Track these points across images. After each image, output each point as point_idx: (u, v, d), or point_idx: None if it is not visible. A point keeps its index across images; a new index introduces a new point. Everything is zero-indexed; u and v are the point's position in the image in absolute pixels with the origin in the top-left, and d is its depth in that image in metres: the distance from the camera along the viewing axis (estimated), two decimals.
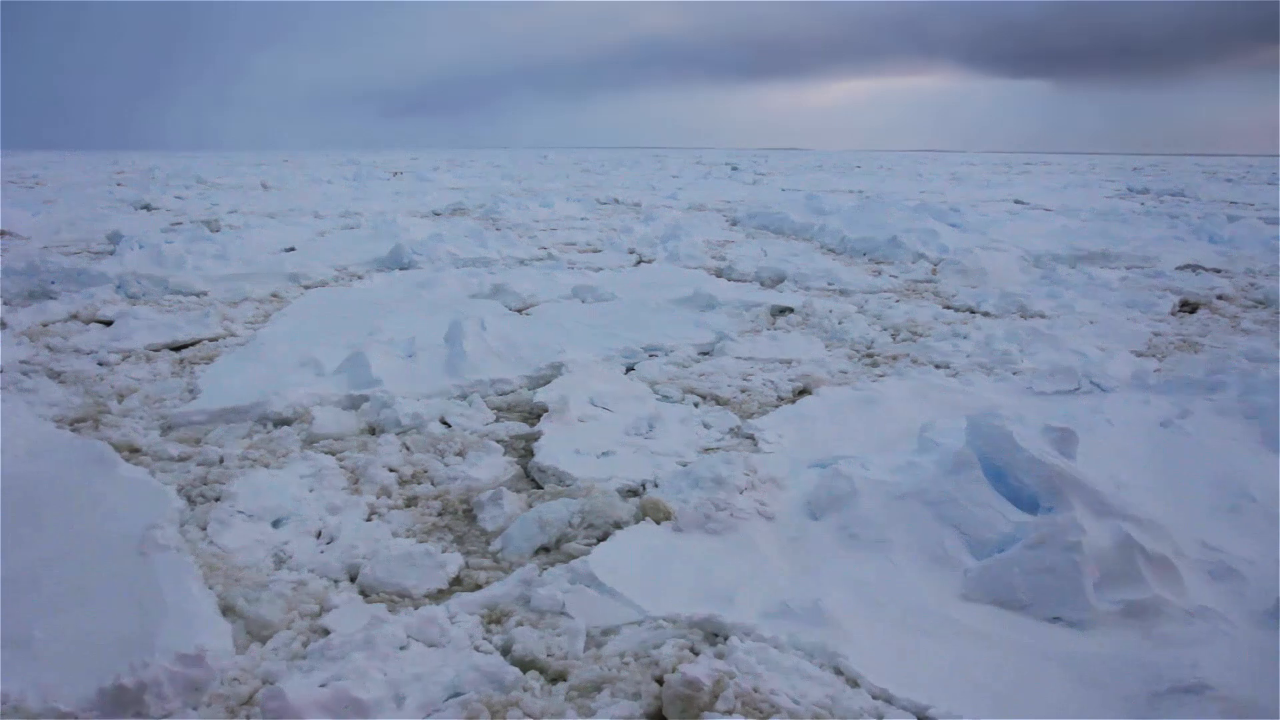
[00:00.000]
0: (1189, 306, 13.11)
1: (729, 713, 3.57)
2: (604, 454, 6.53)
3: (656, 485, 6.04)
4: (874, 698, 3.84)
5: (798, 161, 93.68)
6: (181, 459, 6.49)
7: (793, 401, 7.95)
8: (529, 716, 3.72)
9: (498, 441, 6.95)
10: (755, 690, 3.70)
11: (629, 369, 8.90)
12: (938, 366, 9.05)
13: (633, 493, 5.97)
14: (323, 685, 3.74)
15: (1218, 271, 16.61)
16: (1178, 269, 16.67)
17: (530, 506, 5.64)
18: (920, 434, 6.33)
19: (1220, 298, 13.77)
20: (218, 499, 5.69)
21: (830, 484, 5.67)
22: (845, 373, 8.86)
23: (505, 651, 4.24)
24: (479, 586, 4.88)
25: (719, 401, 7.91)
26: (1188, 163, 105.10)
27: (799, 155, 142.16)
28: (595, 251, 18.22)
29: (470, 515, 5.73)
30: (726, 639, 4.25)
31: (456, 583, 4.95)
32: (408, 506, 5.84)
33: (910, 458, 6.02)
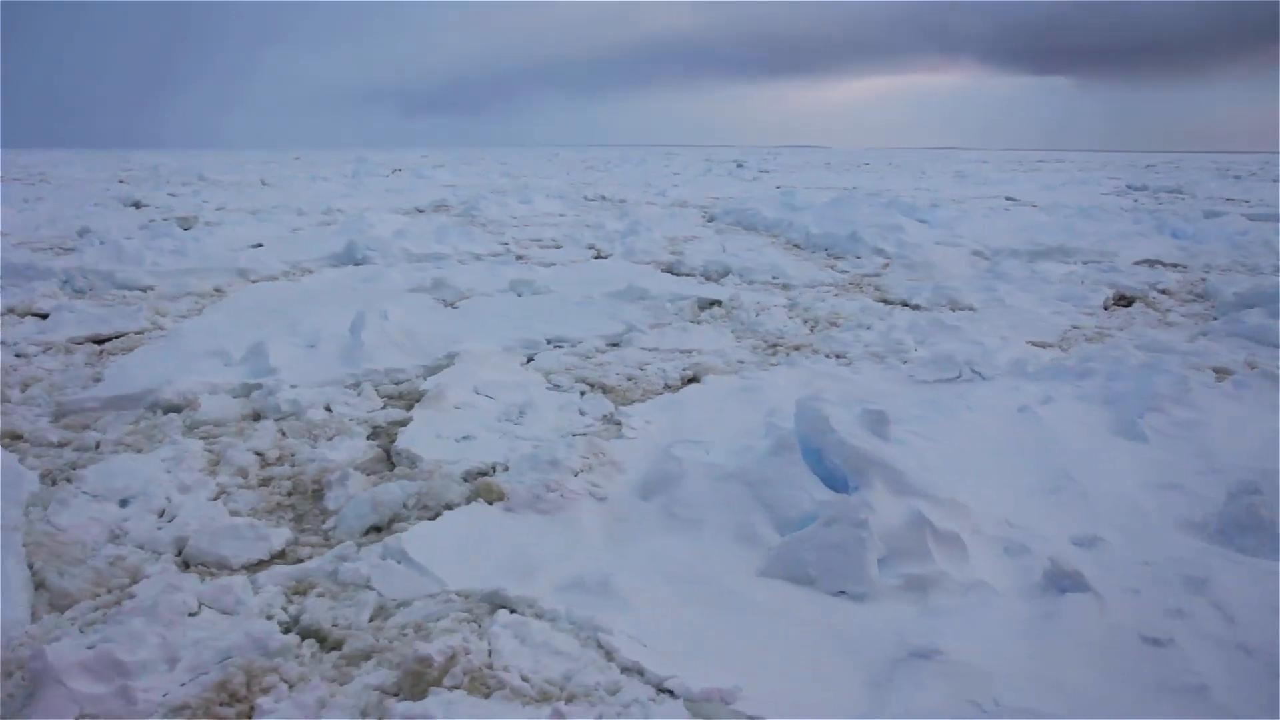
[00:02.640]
0: (1125, 301, 13.19)
1: (454, 688, 3.75)
2: (464, 438, 6.73)
3: (507, 468, 6.22)
4: (622, 671, 4.00)
5: (806, 159, 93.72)
6: (60, 444, 6.72)
7: (676, 390, 8.13)
8: (285, 682, 3.91)
9: (375, 427, 7.17)
10: (487, 667, 3.88)
11: (530, 359, 9.09)
12: (836, 356, 9.23)
13: (482, 474, 6.16)
14: (90, 648, 3.93)
15: (1175, 267, 16.69)
16: (1135, 264, 16.77)
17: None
18: (767, 418, 6.49)
19: (1162, 292, 13.86)
20: (71, 481, 5.90)
21: (661, 466, 5.86)
22: (742, 362, 9.03)
23: (295, 621, 4.44)
24: (301, 561, 5.07)
25: (605, 390, 8.10)
26: (1203, 160, 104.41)
27: (812, 153, 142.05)
28: (557, 247, 18.42)
29: (319, 495, 5.92)
30: (513, 611, 4.46)
31: (280, 556, 5.16)
32: (261, 486, 6.05)
33: (750, 441, 6.19)
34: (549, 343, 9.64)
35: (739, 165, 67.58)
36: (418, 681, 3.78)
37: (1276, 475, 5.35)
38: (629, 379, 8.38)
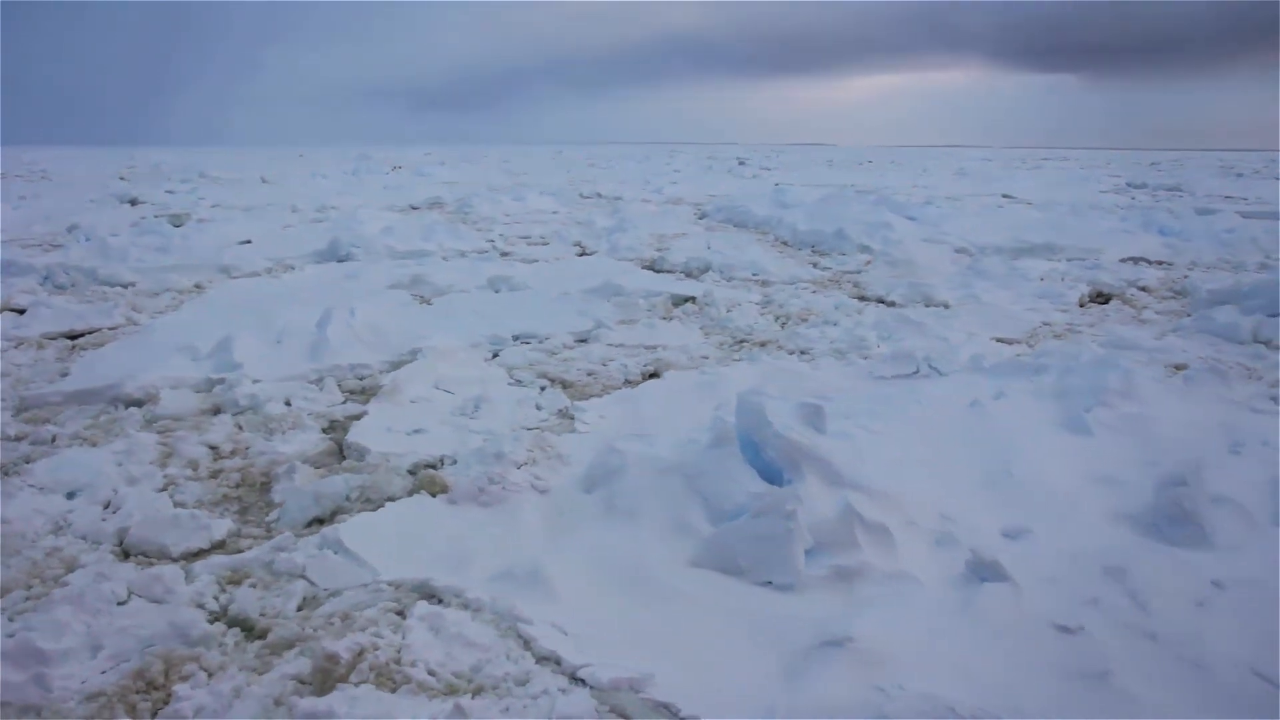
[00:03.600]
0: (1103, 298, 13.21)
1: (360, 683, 3.79)
2: (415, 432, 6.80)
3: (454, 461, 6.28)
4: (539, 660, 4.05)
5: (810, 157, 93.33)
6: (18, 438, 6.79)
7: (635, 385, 8.19)
8: (204, 670, 3.96)
9: (332, 421, 7.23)
10: (395, 662, 3.91)
11: (495, 355, 9.16)
12: (800, 352, 9.28)
13: (430, 467, 6.23)
14: (10, 636, 4.00)
15: (1160, 264, 16.70)
16: (1120, 261, 16.78)
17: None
18: (714, 412, 6.53)
19: (1142, 289, 13.86)
20: (20, 474, 5.97)
21: (604, 459, 5.91)
22: (706, 358, 9.09)
23: (224, 610, 4.50)
24: (240, 551, 5.13)
25: (565, 385, 8.17)
26: (1208, 158, 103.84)
27: (817, 151, 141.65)
28: (544, 244, 18.48)
29: (267, 488, 5.99)
30: (440, 601, 4.54)
31: (220, 546, 5.22)
32: (210, 479, 6.11)
33: (697, 435, 6.24)
34: (516, 339, 9.70)
35: (740, 163, 67.61)
36: (325, 679, 3.82)
37: (1207, 468, 5.40)
38: (589, 374, 8.44)
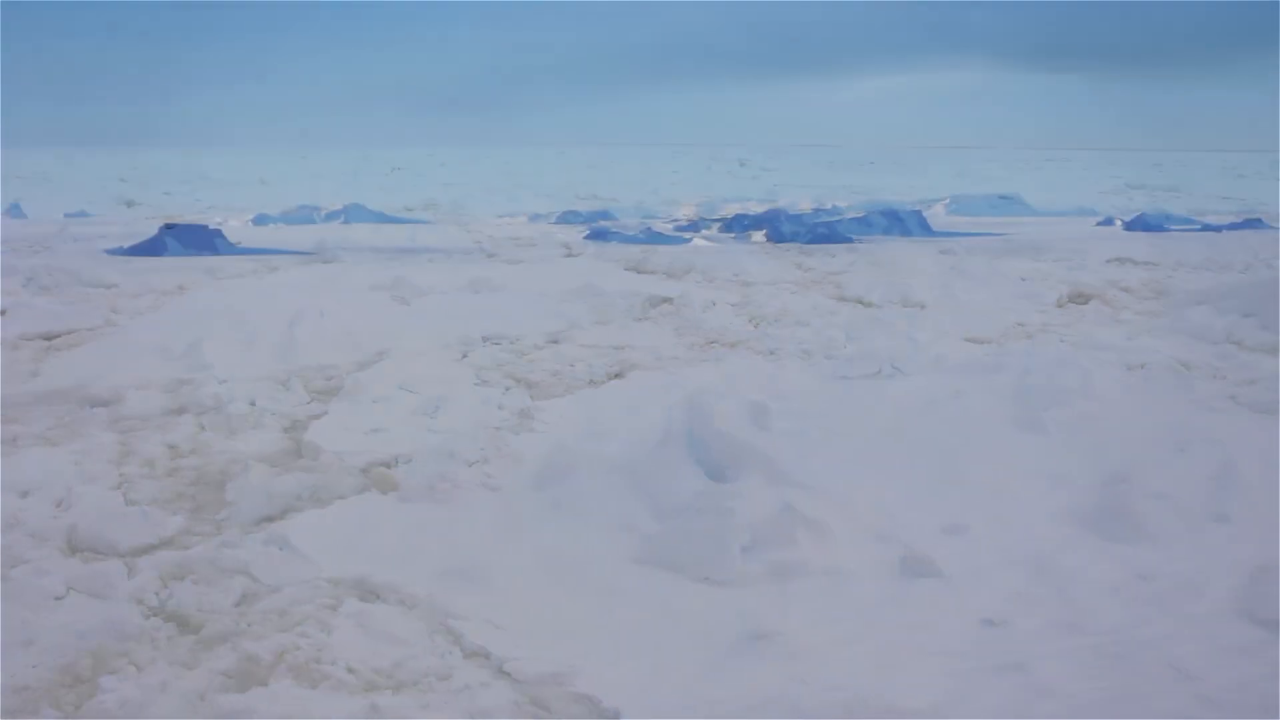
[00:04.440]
0: (1083, 298, 13.18)
1: (281, 681, 3.83)
2: (374, 431, 6.85)
3: (410, 460, 6.33)
4: (468, 655, 4.10)
5: (812, 158, 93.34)
6: None
7: (599, 385, 8.24)
8: (134, 665, 4.01)
9: (295, 421, 7.28)
10: (316, 661, 3.95)
11: (464, 355, 9.20)
12: (768, 353, 9.33)
13: (386, 465, 6.27)
14: None
15: (1145, 264, 16.66)
16: (1106, 262, 16.75)
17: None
18: (668, 411, 6.57)
19: (1124, 289, 13.85)
20: None
21: (556, 458, 5.96)
22: (676, 358, 9.13)
23: (163, 605, 4.55)
24: (188, 548, 5.17)
25: (530, 385, 8.20)
26: (1213, 158, 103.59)
27: (821, 151, 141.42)
28: (531, 245, 18.56)
29: (223, 486, 6.03)
30: (378, 597, 4.60)
31: (169, 543, 5.25)
32: (166, 477, 6.16)
33: (651, 434, 6.28)
34: (486, 340, 9.72)
35: (741, 164, 67.64)
36: (247, 678, 3.86)
37: (1152, 465, 5.45)
38: (554, 374, 8.49)
